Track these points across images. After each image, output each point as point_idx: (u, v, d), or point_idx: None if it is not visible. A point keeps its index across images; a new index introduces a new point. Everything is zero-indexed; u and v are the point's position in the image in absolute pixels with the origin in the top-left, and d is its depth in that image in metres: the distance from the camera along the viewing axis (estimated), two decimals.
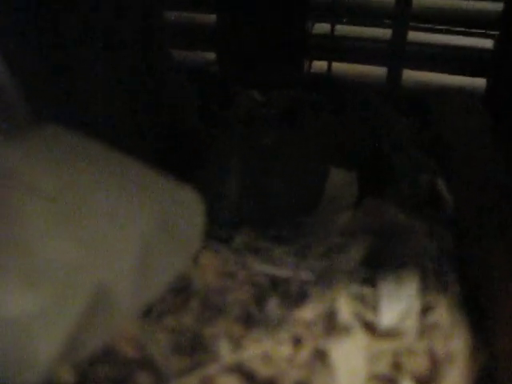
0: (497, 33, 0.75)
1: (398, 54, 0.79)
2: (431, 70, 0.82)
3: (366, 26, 0.82)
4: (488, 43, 0.77)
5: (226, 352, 0.31)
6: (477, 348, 0.31)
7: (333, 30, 0.80)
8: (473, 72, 0.79)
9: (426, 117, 0.68)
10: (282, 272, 0.37)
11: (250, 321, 0.33)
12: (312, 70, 0.82)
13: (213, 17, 0.82)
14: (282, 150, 0.46)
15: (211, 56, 0.84)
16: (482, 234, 0.40)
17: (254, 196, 0.44)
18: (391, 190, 0.49)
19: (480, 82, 0.78)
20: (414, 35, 0.79)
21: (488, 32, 0.76)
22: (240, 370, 0.30)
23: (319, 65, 0.82)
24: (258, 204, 0.44)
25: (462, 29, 0.79)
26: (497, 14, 0.74)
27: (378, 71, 0.80)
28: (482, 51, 0.78)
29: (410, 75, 0.81)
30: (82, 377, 0.31)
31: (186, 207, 0.33)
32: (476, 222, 0.42)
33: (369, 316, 0.32)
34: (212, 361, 0.30)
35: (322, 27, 0.81)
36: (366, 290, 0.34)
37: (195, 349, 0.32)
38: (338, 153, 0.50)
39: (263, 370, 0.30)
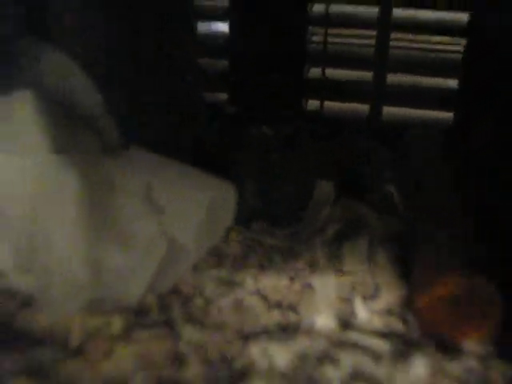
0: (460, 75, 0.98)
1: (378, 93, 1.02)
2: (406, 106, 1.05)
3: (351, 70, 1.06)
4: (453, 83, 1.01)
5: (249, 284, 0.54)
6: (401, 279, 0.54)
7: (324, 73, 1.03)
8: (440, 107, 1.03)
9: (397, 144, 0.91)
10: (284, 244, 0.61)
11: (263, 268, 0.56)
12: (308, 108, 1.05)
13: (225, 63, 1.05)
14: (284, 165, 0.70)
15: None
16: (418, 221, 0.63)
17: (264, 198, 0.67)
18: (367, 197, 0.72)
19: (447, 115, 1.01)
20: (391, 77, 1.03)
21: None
22: (258, 294, 0.53)
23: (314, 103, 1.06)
24: (266, 204, 0.67)
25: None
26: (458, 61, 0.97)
27: (362, 107, 1.04)
28: (448, 90, 1.01)
29: (389, 111, 1.04)
30: (161, 303, 0.54)
31: (226, 196, 0.56)
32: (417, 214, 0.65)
33: (337, 264, 0.56)
34: (241, 289, 0.53)
35: (316, 71, 1.05)
36: (336, 251, 0.58)
37: (231, 284, 0.55)
38: (325, 169, 0.74)
39: (273, 295, 0.53)
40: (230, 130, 0.81)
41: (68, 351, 0.48)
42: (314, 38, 1.05)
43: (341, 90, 1.05)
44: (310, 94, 1.05)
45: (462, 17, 0.99)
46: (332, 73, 1.04)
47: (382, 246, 0.58)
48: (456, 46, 1.04)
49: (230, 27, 1.04)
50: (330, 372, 0.44)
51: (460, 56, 0.98)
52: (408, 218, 0.64)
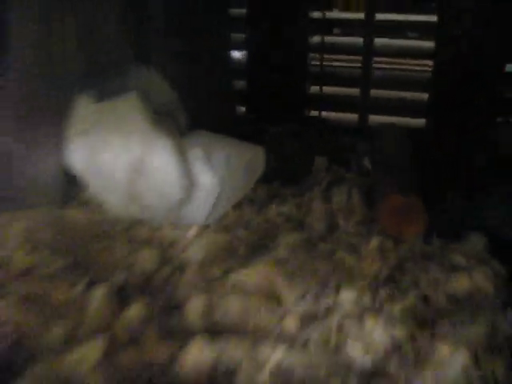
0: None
1: (364, 104, 1.39)
2: (386, 114, 1.41)
3: (343, 87, 1.43)
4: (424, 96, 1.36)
5: (272, 210, 0.91)
6: (368, 206, 0.91)
7: (321, 90, 1.40)
8: (415, 115, 1.39)
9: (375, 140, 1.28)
10: (294, 192, 0.98)
11: (281, 203, 0.93)
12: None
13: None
14: (293, 150, 1.08)
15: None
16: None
17: (279, 170, 1.05)
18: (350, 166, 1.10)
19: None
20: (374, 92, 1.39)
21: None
22: (278, 215, 0.90)
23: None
24: (281, 172, 1.05)
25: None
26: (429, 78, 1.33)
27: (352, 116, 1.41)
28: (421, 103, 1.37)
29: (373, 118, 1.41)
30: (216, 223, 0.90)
31: (258, 155, 0.93)
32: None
33: (327, 199, 0.93)
34: (269, 211, 0.90)
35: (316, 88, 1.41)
36: (327, 194, 0.95)
37: (260, 212, 0.91)
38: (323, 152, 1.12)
39: (287, 215, 0.90)
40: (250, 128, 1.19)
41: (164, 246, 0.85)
42: (314, 62, 1.42)
43: (335, 103, 1.42)
44: (311, 105, 1.42)
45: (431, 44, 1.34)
46: (328, 89, 1.42)
47: (356, 191, 0.96)
48: (425, 67, 1.40)
49: (248, 56, 1.41)
50: (322, 246, 0.81)
51: (429, 75, 1.34)
52: (374, 177, 1.02)
